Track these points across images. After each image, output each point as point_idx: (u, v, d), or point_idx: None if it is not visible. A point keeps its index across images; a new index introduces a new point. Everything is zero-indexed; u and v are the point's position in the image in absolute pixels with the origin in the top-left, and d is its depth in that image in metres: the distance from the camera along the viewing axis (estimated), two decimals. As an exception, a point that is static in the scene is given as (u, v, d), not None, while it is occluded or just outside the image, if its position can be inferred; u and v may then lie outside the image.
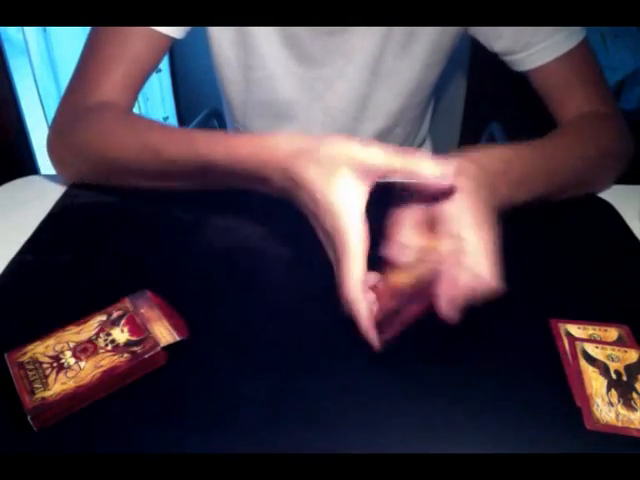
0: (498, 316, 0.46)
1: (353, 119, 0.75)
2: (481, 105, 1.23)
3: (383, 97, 0.73)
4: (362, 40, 0.68)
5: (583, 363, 0.41)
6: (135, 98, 0.64)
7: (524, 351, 0.43)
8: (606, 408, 0.38)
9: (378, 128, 0.77)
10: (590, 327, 0.44)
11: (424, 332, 0.44)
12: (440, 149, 1.00)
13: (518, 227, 0.58)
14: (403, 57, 0.70)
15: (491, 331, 0.45)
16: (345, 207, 0.38)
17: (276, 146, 0.42)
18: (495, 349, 0.43)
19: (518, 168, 0.49)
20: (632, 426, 0.37)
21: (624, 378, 0.40)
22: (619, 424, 0.37)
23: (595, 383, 0.40)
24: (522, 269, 0.51)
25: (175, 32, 0.62)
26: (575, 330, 0.44)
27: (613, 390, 0.39)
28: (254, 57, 0.70)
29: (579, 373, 0.40)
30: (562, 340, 0.43)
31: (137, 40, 0.61)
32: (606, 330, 0.44)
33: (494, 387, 0.40)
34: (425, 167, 0.37)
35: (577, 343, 0.43)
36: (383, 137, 0.79)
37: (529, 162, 0.51)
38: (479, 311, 0.46)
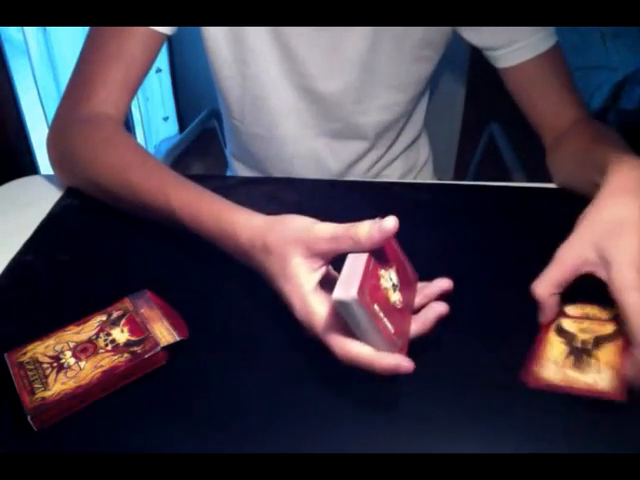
0: (498, 316, 0.46)
1: (348, 113, 0.75)
2: (481, 105, 1.23)
3: (376, 91, 0.74)
4: (351, 37, 0.68)
5: (552, 334, 0.42)
6: (131, 101, 0.65)
7: (524, 351, 0.43)
8: (554, 368, 0.38)
9: (373, 121, 0.77)
10: (589, 306, 0.44)
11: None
12: (440, 149, 1.00)
13: (517, 227, 0.58)
14: (394, 52, 0.70)
15: (490, 331, 0.44)
16: (296, 293, 0.40)
17: (234, 230, 0.45)
18: (495, 349, 0.43)
19: None
20: (575, 385, 0.37)
21: (589, 346, 0.40)
22: (562, 383, 0.37)
23: (555, 350, 0.40)
24: (522, 269, 0.51)
25: (169, 29, 0.63)
26: (571, 309, 0.44)
27: (572, 356, 0.39)
28: (247, 52, 0.70)
29: (543, 342, 0.41)
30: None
31: (134, 40, 0.61)
32: (604, 309, 0.44)
33: (494, 387, 0.40)
34: (361, 230, 0.37)
35: (557, 318, 0.43)
36: (380, 130, 0.79)
37: None
38: (478, 312, 0.46)
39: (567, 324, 0.42)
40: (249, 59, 0.71)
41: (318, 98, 0.74)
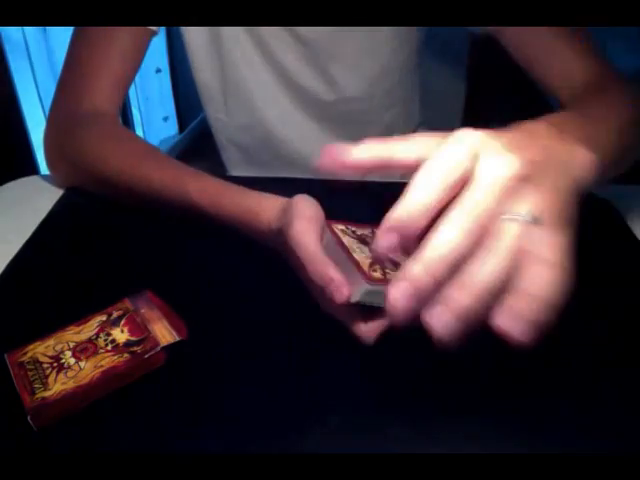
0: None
1: (324, 102, 0.76)
2: (481, 105, 1.23)
3: (347, 81, 0.74)
4: (319, 30, 0.69)
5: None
6: (124, 97, 0.65)
7: (526, 351, 0.43)
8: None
9: (349, 110, 0.78)
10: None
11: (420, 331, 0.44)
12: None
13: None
14: (364, 42, 0.71)
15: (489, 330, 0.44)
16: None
17: (257, 209, 0.46)
18: (495, 350, 0.43)
19: (578, 126, 0.40)
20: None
21: None
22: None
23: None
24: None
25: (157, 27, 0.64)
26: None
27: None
28: (224, 41, 0.72)
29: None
30: None
31: (124, 38, 0.62)
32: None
33: (493, 385, 0.40)
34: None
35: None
36: (358, 120, 0.79)
37: (583, 122, 0.42)
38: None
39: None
40: (226, 47, 0.72)
41: (292, 83, 0.75)
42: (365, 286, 0.36)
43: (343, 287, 0.34)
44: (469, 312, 0.26)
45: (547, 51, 0.62)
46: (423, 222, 0.27)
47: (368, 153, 0.33)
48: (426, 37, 0.76)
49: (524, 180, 0.28)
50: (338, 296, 0.34)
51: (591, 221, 0.59)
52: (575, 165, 0.34)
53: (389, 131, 0.83)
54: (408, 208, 0.28)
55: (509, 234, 0.27)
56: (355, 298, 0.36)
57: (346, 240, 0.40)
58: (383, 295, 0.32)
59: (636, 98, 0.57)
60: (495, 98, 1.18)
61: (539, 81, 0.64)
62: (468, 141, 0.30)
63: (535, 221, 0.27)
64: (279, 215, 0.44)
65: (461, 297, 0.26)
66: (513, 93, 0.72)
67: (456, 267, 0.26)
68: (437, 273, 0.26)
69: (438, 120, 0.99)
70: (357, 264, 0.37)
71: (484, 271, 0.26)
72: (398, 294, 0.26)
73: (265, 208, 0.46)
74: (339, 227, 0.42)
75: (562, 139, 0.35)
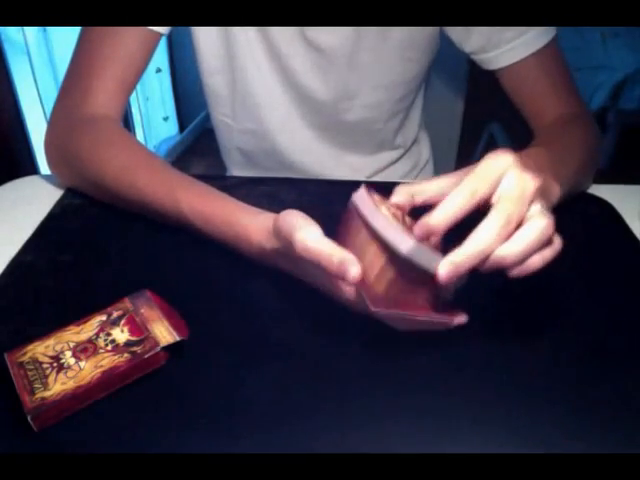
0: (499, 314, 0.46)
1: (332, 110, 0.76)
2: (481, 105, 1.23)
3: (359, 89, 0.74)
4: (332, 35, 0.68)
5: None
6: (127, 100, 0.65)
7: (527, 351, 0.43)
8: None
9: (358, 119, 0.77)
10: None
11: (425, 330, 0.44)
12: (440, 149, 1.00)
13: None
14: (378, 51, 0.70)
15: (493, 330, 0.45)
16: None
17: (247, 232, 0.47)
18: (497, 349, 0.43)
19: (549, 165, 0.49)
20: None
21: None
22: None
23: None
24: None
25: (165, 28, 0.63)
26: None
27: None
28: (235, 45, 0.71)
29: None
30: None
31: (130, 40, 0.61)
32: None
33: (496, 385, 0.40)
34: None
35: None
36: (367, 129, 0.79)
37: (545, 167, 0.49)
38: (479, 311, 0.46)
39: None
40: (237, 52, 0.71)
41: (302, 93, 0.74)
42: (412, 241, 0.37)
43: (352, 266, 0.36)
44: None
45: (531, 85, 0.68)
46: (450, 225, 0.36)
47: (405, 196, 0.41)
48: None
49: (535, 195, 0.38)
50: (351, 273, 0.36)
51: (591, 221, 0.60)
52: (552, 194, 0.46)
53: (390, 137, 0.83)
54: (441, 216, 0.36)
55: (540, 223, 0.37)
56: (404, 250, 0.37)
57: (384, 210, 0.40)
58: (425, 256, 0.37)
59: (595, 138, 0.65)
60: (495, 98, 1.18)
61: (516, 106, 0.70)
62: (502, 159, 0.38)
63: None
64: (268, 236, 0.44)
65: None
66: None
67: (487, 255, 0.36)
68: (473, 262, 0.36)
69: (438, 121, 0.99)
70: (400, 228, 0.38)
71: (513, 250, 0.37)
72: (446, 268, 0.36)
73: (254, 231, 0.46)
74: (375, 197, 0.41)
75: (543, 173, 0.43)
